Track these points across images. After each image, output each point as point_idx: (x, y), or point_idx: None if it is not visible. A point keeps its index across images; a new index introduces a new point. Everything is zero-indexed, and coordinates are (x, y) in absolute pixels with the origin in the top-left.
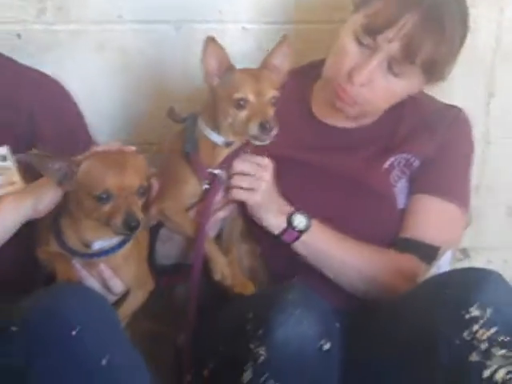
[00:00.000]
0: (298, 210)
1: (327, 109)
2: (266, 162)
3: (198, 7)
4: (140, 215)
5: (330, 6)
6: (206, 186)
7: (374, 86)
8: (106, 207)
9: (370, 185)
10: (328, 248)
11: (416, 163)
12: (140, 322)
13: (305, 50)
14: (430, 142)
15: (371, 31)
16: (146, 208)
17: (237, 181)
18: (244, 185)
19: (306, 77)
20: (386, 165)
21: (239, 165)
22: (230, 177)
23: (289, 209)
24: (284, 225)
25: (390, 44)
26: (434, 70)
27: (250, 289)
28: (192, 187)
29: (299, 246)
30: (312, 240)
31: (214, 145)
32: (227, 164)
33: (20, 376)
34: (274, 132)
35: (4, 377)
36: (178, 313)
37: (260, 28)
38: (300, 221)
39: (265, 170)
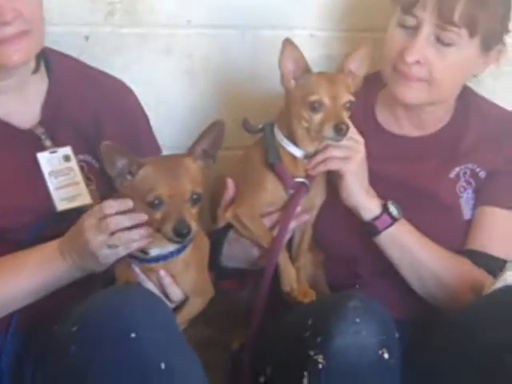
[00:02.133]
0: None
1: (392, 117)
2: (359, 137)
3: (265, 13)
4: (192, 222)
5: None
6: (291, 194)
7: (430, 62)
8: (158, 214)
9: (435, 195)
10: (411, 245)
11: (482, 174)
12: (194, 328)
13: (374, 57)
14: (497, 154)
15: (406, 6)
16: (217, 211)
17: (331, 151)
18: (339, 154)
19: (371, 85)
20: (452, 175)
21: None
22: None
23: (375, 194)
24: (378, 210)
25: (427, 12)
26: (479, 30)
27: (310, 297)
28: (275, 195)
29: (386, 237)
30: (399, 233)
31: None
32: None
33: (79, 376)
34: (348, 135)
35: (63, 377)
36: (234, 318)
37: (328, 35)
38: (394, 208)
39: (358, 143)
